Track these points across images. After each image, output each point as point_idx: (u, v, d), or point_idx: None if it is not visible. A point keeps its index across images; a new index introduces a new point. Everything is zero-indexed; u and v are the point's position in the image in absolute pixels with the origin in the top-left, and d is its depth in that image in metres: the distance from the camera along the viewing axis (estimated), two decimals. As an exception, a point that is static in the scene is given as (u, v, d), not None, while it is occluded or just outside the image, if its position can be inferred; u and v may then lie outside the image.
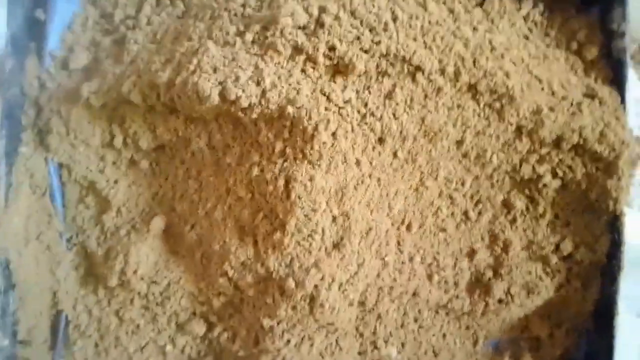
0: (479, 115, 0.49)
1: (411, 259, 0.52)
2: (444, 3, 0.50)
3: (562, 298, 0.53)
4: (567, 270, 0.53)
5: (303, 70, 0.46)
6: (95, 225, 0.55)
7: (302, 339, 0.48)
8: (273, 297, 0.48)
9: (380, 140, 0.48)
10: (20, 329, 0.52)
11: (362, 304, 0.50)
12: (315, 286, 0.46)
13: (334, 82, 0.47)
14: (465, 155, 0.51)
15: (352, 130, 0.47)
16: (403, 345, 0.53)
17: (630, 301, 0.54)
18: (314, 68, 0.46)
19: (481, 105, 0.48)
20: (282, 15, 0.45)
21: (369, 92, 0.47)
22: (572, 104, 0.48)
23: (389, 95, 0.47)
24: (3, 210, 0.51)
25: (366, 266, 0.48)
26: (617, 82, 0.51)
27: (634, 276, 0.52)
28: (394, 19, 0.46)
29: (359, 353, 0.52)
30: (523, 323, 0.55)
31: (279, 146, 0.47)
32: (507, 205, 0.52)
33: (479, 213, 0.53)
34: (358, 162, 0.47)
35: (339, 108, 0.46)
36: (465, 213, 0.53)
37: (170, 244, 0.54)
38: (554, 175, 0.50)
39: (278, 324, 0.48)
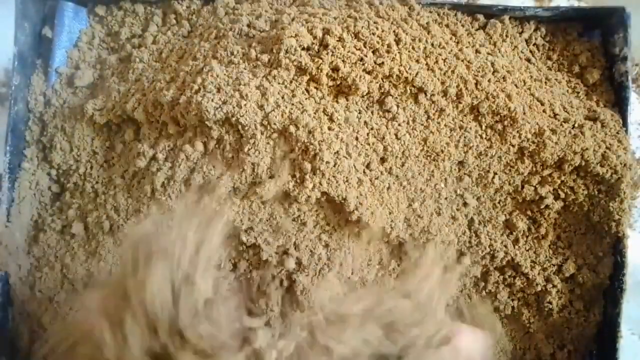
0: (481, 137, 0.49)
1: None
2: (447, 26, 0.51)
3: (565, 320, 0.52)
4: (570, 292, 0.52)
5: (306, 91, 0.47)
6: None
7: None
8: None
9: (382, 160, 0.48)
10: (21, 345, 0.52)
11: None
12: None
13: (337, 102, 0.47)
14: (467, 176, 0.51)
15: (354, 150, 0.47)
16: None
17: (633, 323, 0.54)
18: (317, 88, 0.47)
19: (483, 127, 0.49)
20: (287, 36, 0.46)
21: (372, 113, 0.48)
22: (574, 126, 0.49)
23: (392, 116, 0.48)
24: (5, 226, 0.52)
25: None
26: (619, 105, 0.52)
27: (636, 298, 0.51)
28: (397, 41, 0.47)
29: None
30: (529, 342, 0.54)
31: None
32: (509, 226, 0.52)
33: (481, 234, 0.53)
34: (360, 182, 0.48)
35: (342, 128, 0.46)
36: (468, 234, 0.53)
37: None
38: (556, 196, 0.50)
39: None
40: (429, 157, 0.49)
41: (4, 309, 0.51)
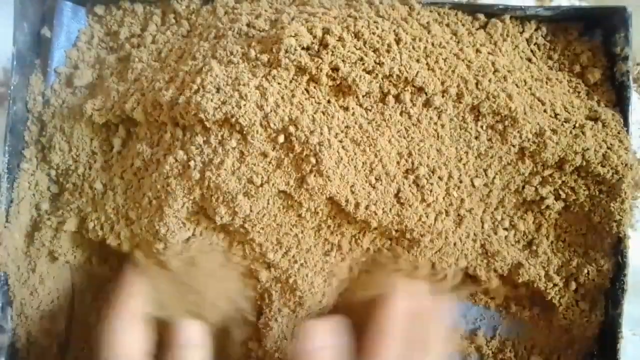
0: (481, 137, 0.49)
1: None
2: (447, 25, 0.51)
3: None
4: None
5: (306, 91, 0.46)
6: (96, 242, 0.55)
7: None
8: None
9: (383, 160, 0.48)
10: (20, 347, 0.52)
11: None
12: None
13: (337, 102, 0.47)
14: (467, 177, 0.50)
15: (355, 150, 0.47)
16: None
17: (634, 324, 0.54)
18: (317, 88, 0.46)
19: (483, 127, 0.48)
20: (286, 35, 0.46)
21: (372, 113, 0.47)
22: (575, 126, 0.48)
23: (391, 116, 0.47)
24: (4, 226, 0.51)
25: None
26: (620, 104, 0.51)
27: (637, 299, 0.51)
28: (398, 41, 0.47)
29: None
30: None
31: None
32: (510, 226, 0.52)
33: (482, 234, 0.52)
34: (360, 182, 0.47)
35: (342, 128, 0.46)
36: (468, 234, 0.52)
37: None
38: (557, 197, 0.50)
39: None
40: (429, 157, 0.49)
41: (2, 310, 0.51)
